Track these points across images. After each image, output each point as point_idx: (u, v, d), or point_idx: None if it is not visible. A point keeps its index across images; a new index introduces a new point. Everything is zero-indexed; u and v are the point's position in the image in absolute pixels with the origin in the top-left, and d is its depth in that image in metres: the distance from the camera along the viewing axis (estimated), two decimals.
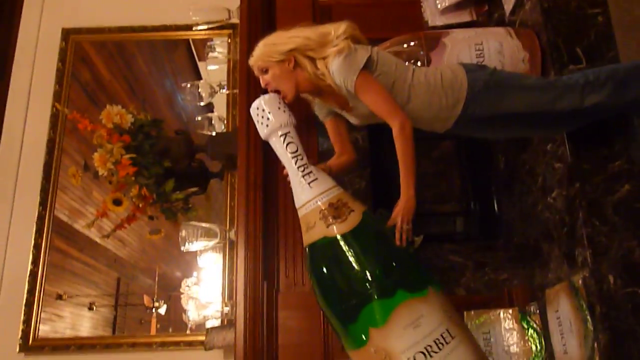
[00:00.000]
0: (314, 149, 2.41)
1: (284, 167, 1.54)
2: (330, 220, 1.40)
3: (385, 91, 1.60)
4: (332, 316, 1.50)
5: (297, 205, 1.46)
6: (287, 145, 1.43)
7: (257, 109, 1.47)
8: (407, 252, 1.51)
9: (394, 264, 1.44)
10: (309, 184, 1.42)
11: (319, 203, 1.42)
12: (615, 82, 1.63)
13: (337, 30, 1.63)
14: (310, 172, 1.44)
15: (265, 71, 1.63)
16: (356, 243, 1.40)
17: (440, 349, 1.34)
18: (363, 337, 1.37)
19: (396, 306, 1.34)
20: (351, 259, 1.39)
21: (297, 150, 1.44)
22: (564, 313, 1.78)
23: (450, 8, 2.42)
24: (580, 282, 1.69)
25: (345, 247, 1.39)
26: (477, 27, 2.34)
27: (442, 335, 1.36)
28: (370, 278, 1.37)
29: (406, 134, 1.56)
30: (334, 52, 1.59)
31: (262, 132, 1.48)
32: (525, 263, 2.15)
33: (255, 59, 1.66)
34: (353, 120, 1.78)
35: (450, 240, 2.43)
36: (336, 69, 1.59)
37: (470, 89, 1.65)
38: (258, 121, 1.47)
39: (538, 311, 1.96)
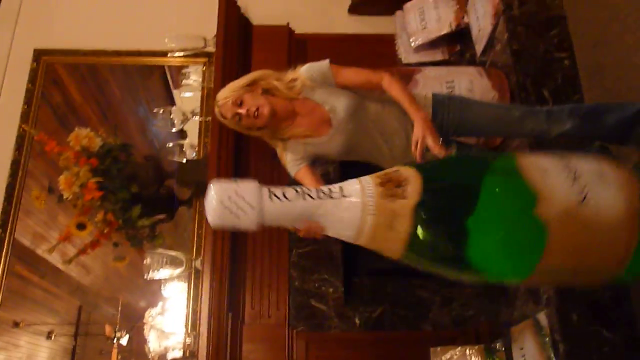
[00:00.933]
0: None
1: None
2: (399, 189, 1.10)
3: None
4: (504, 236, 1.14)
5: (355, 232, 1.11)
6: (285, 195, 1.05)
7: (223, 210, 1.01)
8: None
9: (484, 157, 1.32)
10: (342, 194, 1.09)
11: (371, 192, 1.09)
12: (578, 116, 1.69)
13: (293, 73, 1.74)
14: (329, 188, 1.11)
15: (240, 103, 1.67)
16: (437, 175, 1.16)
17: (572, 165, 1.17)
18: (538, 223, 1.09)
19: (520, 173, 1.13)
20: (450, 183, 1.14)
21: (295, 189, 1.08)
22: (529, 350, 1.78)
23: (424, 46, 2.49)
24: (544, 319, 1.70)
25: (439, 185, 1.12)
26: (449, 65, 2.40)
27: (560, 160, 1.20)
28: (475, 172, 1.13)
29: (396, 79, 1.67)
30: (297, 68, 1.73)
31: (252, 219, 1.04)
32: (491, 299, 2.15)
33: (225, 97, 1.70)
34: (333, 146, 1.75)
35: (417, 275, 2.43)
36: (306, 67, 1.71)
37: (435, 97, 1.74)
38: (237, 215, 1.03)
39: (504, 348, 1.96)
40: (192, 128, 2.76)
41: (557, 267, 1.19)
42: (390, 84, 1.67)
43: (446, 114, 1.70)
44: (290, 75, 1.73)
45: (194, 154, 2.65)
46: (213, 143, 2.36)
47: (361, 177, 1.11)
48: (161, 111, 2.53)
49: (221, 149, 2.34)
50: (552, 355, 1.65)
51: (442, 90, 2.04)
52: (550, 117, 1.69)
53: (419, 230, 1.08)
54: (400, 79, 2.08)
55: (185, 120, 2.59)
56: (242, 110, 1.66)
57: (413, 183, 1.09)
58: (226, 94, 1.71)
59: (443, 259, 1.15)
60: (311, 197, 1.07)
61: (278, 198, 1.04)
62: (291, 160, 1.77)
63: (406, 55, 2.55)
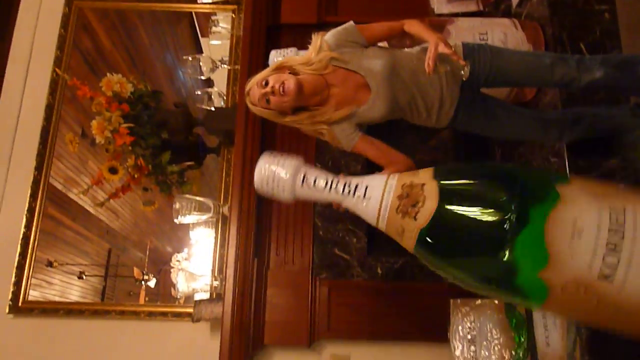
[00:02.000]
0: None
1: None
2: (412, 209, 1.18)
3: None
4: (494, 289, 1.22)
5: (373, 224, 1.24)
6: (315, 184, 1.23)
7: (263, 181, 1.23)
8: (505, 170, 1.24)
9: (505, 188, 1.15)
10: (364, 196, 1.22)
11: (388, 202, 1.20)
12: (608, 65, 1.64)
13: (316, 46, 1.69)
14: (356, 184, 1.24)
15: (265, 83, 1.63)
16: (457, 203, 1.16)
17: (622, 234, 1.07)
18: (540, 284, 1.09)
19: (543, 229, 1.08)
20: (465, 218, 1.14)
21: (326, 179, 1.23)
22: None
23: None
24: None
25: (451, 216, 1.15)
26: (482, 17, 2.34)
27: (611, 220, 1.08)
28: (496, 217, 1.11)
29: (417, 20, 1.67)
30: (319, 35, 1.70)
31: (285, 197, 1.25)
32: None
33: (252, 82, 1.67)
34: (375, 110, 1.69)
35: None
36: (331, 34, 1.68)
37: (465, 46, 1.71)
38: (274, 191, 1.25)
39: None
40: (221, 76, 2.77)
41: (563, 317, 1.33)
42: (410, 24, 1.66)
43: (477, 62, 1.67)
44: (314, 49, 1.67)
45: (222, 102, 2.66)
46: (241, 92, 2.36)
47: (391, 180, 1.21)
48: (190, 58, 2.53)
49: None
50: None
51: (475, 41, 1.99)
52: (581, 64, 1.64)
53: (418, 250, 1.18)
54: (433, 28, 2.06)
55: (214, 68, 2.59)
56: (268, 88, 1.61)
57: (427, 206, 1.14)
58: (252, 80, 1.69)
59: (437, 270, 1.22)
60: (337, 191, 1.22)
61: (309, 187, 1.21)
62: (342, 136, 1.71)
63: (439, 5, 2.48)
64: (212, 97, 2.63)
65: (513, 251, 1.08)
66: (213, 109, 2.58)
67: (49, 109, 2.70)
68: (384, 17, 2.22)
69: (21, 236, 2.54)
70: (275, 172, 1.22)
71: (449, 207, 1.14)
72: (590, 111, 1.75)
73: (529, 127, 1.76)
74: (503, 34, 2.01)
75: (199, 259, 2.54)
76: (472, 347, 2.04)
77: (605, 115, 1.76)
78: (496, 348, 2.01)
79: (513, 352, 1.98)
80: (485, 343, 2.03)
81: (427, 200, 1.15)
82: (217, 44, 2.80)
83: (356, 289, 2.29)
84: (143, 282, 2.66)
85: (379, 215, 1.21)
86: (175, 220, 2.36)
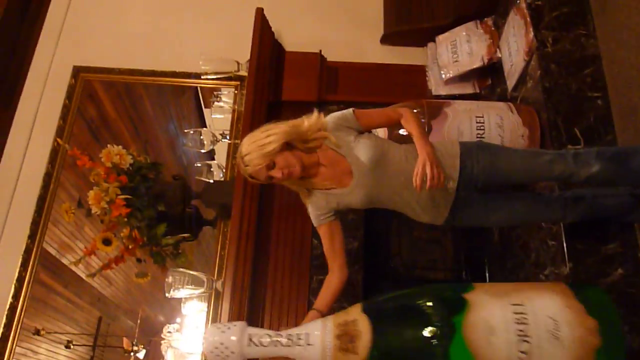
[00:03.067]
0: None
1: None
2: (351, 345, 1.35)
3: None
4: None
5: None
6: (260, 343, 1.36)
7: (213, 351, 1.36)
8: (422, 292, 1.43)
9: (430, 316, 1.35)
10: (308, 343, 1.37)
11: (330, 345, 1.36)
12: (603, 158, 1.66)
13: (309, 119, 1.72)
14: (297, 334, 1.38)
15: (272, 165, 1.67)
16: (388, 331, 1.36)
17: (527, 323, 1.29)
18: None
19: (462, 336, 1.28)
20: (398, 342, 1.35)
21: (269, 335, 1.37)
22: None
23: (455, 79, 2.49)
24: None
25: (386, 343, 1.34)
26: (479, 100, 2.39)
27: (515, 314, 1.30)
28: (426, 335, 1.31)
29: (414, 116, 1.71)
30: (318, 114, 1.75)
31: (237, 358, 1.38)
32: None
33: (258, 161, 1.67)
34: (354, 197, 1.73)
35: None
36: (330, 116, 1.74)
37: (462, 145, 1.73)
38: (224, 358, 1.37)
39: None
40: (221, 149, 2.80)
41: None
42: (406, 120, 1.71)
43: (475, 162, 1.69)
44: (309, 124, 1.71)
45: (221, 175, 2.67)
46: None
47: (327, 323, 1.38)
48: (192, 131, 2.57)
49: None
50: None
51: (472, 126, 2.03)
52: (578, 159, 1.67)
53: None
54: (430, 110, 2.11)
55: (214, 141, 2.63)
56: (277, 175, 1.66)
57: (363, 340, 1.34)
58: (257, 162, 1.67)
59: None
60: (282, 344, 1.36)
61: (257, 345, 1.35)
62: (314, 213, 1.78)
63: (436, 87, 2.55)
64: (212, 169, 2.64)
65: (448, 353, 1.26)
66: (212, 181, 2.59)
67: (47, 177, 2.72)
68: (383, 98, 2.29)
69: (8, 306, 2.49)
70: (223, 340, 1.33)
71: (381, 336, 1.33)
72: (589, 191, 1.76)
73: (532, 211, 1.76)
74: (499, 117, 2.05)
75: (190, 334, 2.47)
76: None
77: (604, 195, 1.76)
78: None
79: None
80: None
81: (362, 335, 1.34)
82: (220, 117, 2.85)
83: None
84: (132, 354, 2.58)
85: (322, 356, 1.35)
86: (168, 295, 2.31)
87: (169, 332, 2.54)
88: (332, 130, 1.71)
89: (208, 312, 2.47)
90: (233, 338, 1.33)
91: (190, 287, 2.32)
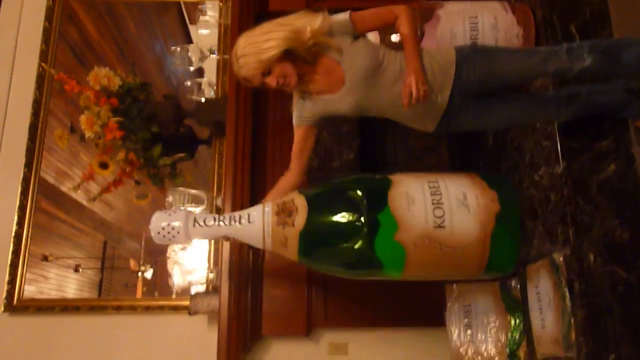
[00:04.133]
0: None
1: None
2: (289, 219, 1.51)
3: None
4: (362, 268, 1.65)
5: (259, 244, 1.55)
6: (205, 223, 1.50)
7: (160, 235, 1.50)
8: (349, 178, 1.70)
9: (357, 191, 1.58)
10: (248, 221, 1.51)
11: (269, 221, 1.51)
12: (596, 52, 1.63)
13: (312, 25, 1.65)
14: (239, 215, 1.52)
15: (268, 73, 1.63)
16: (324, 208, 1.53)
17: (440, 194, 1.57)
18: (398, 247, 1.54)
19: (387, 204, 1.53)
20: (332, 219, 1.53)
21: (214, 217, 1.51)
22: (543, 289, 1.81)
23: None
24: (561, 259, 1.71)
25: (320, 214, 1.52)
26: (472, 0, 2.31)
27: (430, 186, 1.57)
28: (355, 212, 1.52)
29: (409, 19, 1.65)
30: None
31: (182, 240, 1.52)
32: None
33: (255, 66, 1.63)
34: (342, 104, 1.72)
35: None
36: (330, 18, 1.68)
37: (459, 52, 1.69)
38: (170, 239, 1.51)
39: (519, 286, 1.99)
40: (210, 66, 2.73)
41: (422, 275, 1.71)
42: (401, 23, 1.65)
43: (472, 69, 1.66)
44: (310, 23, 1.65)
45: (212, 93, 2.63)
46: (231, 82, 2.34)
47: (266, 203, 1.56)
48: (178, 49, 2.50)
49: (240, 87, 2.33)
50: (567, 293, 1.67)
51: (466, 28, 1.97)
52: (571, 54, 1.64)
53: (301, 253, 1.54)
54: (423, 13, 2.04)
55: (203, 58, 2.56)
56: (272, 83, 1.64)
57: (300, 214, 1.51)
58: (252, 67, 1.63)
59: (322, 268, 1.67)
60: (224, 223, 1.50)
61: (201, 226, 1.49)
62: (298, 112, 1.77)
63: None
64: (202, 87, 2.60)
65: (373, 225, 1.50)
66: (203, 100, 2.55)
67: (37, 104, 2.67)
68: (375, 1, 2.20)
69: (13, 234, 2.53)
70: (168, 224, 1.45)
71: (316, 209, 1.51)
72: (584, 88, 1.75)
73: (527, 111, 1.75)
74: (493, 17, 1.99)
75: (194, 251, 2.53)
76: (469, 331, 2.06)
77: (599, 91, 1.75)
78: (492, 331, 2.03)
79: (509, 335, 1.99)
80: (481, 326, 2.04)
81: (299, 209, 1.51)
82: (206, 33, 2.76)
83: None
84: (140, 274, 2.66)
85: (263, 233, 1.50)
86: None
87: (174, 250, 2.60)
88: (329, 35, 1.66)
89: None
90: (178, 221, 1.45)
91: (190, 205, 2.35)
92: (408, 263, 1.55)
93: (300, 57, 1.65)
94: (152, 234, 1.48)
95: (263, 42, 1.61)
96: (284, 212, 1.51)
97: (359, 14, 1.69)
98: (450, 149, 2.59)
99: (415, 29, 1.65)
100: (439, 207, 1.54)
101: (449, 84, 1.66)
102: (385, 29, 1.89)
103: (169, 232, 1.46)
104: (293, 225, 1.50)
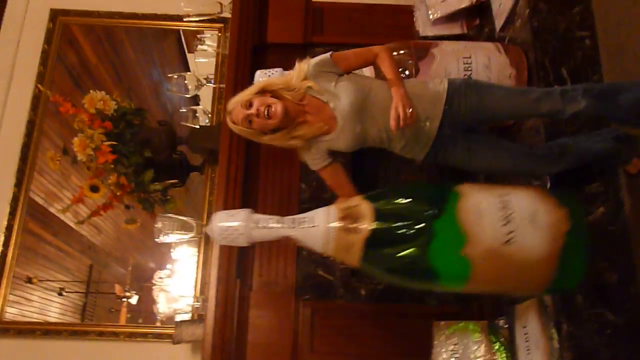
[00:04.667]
0: None
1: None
2: (354, 225, 1.45)
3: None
4: (419, 282, 1.60)
5: (320, 249, 1.48)
6: (267, 225, 1.45)
7: (222, 235, 1.46)
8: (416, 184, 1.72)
9: (426, 201, 1.53)
10: (312, 225, 1.45)
11: (333, 226, 1.45)
12: (590, 95, 1.65)
13: (293, 71, 1.73)
14: (303, 217, 1.47)
15: (249, 105, 1.67)
16: (390, 216, 1.47)
17: (510, 209, 1.50)
18: (464, 261, 1.46)
19: (455, 216, 1.47)
20: (398, 229, 1.46)
21: (277, 219, 1.45)
22: (531, 329, 1.80)
23: (442, 19, 2.44)
24: (550, 299, 1.71)
25: (386, 227, 1.46)
26: (467, 40, 2.36)
27: (500, 200, 1.51)
28: (422, 223, 1.46)
29: (389, 55, 1.70)
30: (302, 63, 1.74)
31: (244, 243, 1.48)
32: None
33: (235, 101, 1.70)
34: (342, 142, 1.74)
35: None
36: (311, 61, 1.71)
37: (450, 84, 1.72)
38: (233, 241, 1.47)
39: (507, 326, 1.98)
40: (206, 94, 2.76)
41: (483, 289, 1.66)
42: (381, 60, 1.70)
43: (463, 101, 1.68)
44: (295, 75, 1.71)
45: (207, 120, 2.64)
46: (226, 110, 2.36)
47: (330, 208, 1.49)
48: (175, 76, 2.52)
49: None
50: (555, 335, 1.66)
51: (459, 67, 2.01)
52: (565, 96, 1.65)
53: (363, 260, 1.48)
54: (417, 51, 2.08)
55: (199, 86, 2.58)
56: (252, 110, 1.65)
57: (366, 221, 1.45)
58: (235, 100, 1.72)
59: (389, 277, 1.59)
60: (288, 226, 1.44)
61: (263, 228, 1.44)
62: (310, 159, 1.79)
63: (424, 27, 2.50)
64: (197, 114, 2.61)
65: (434, 237, 1.45)
66: (198, 127, 2.56)
67: (30, 125, 2.67)
68: (370, 39, 2.24)
69: None
70: (231, 226, 1.41)
71: (382, 217, 1.46)
72: (573, 141, 1.76)
73: (517, 163, 1.76)
74: (487, 57, 2.03)
75: (181, 278, 2.51)
76: None
77: (588, 141, 1.77)
78: None
79: None
80: None
81: (365, 216, 1.45)
82: (203, 61, 2.80)
83: (339, 310, 2.27)
84: (124, 299, 2.62)
85: (327, 238, 1.44)
86: (157, 240, 2.33)
87: (160, 277, 2.58)
88: (312, 77, 1.70)
89: (198, 257, 2.51)
90: (239, 221, 1.41)
91: (179, 232, 2.34)
92: (472, 277, 1.49)
93: (287, 98, 1.68)
94: (213, 234, 1.44)
95: (245, 90, 1.70)
96: (350, 218, 1.46)
97: (340, 54, 1.73)
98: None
99: (394, 65, 1.69)
100: (510, 222, 1.48)
101: (439, 113, 1.68)
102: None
103: (230, 234, 1.43)
104: (358, 232, 1.45)
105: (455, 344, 2.06)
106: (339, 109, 1.68)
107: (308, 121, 1.72)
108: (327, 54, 1.72)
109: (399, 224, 1.47)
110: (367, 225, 1.44)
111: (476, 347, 2.02)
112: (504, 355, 1.96)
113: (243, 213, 1.44)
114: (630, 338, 1.66)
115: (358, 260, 1.49)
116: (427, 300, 2.31)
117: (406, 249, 1.46)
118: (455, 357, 2.04)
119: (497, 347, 1.99)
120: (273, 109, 1.64)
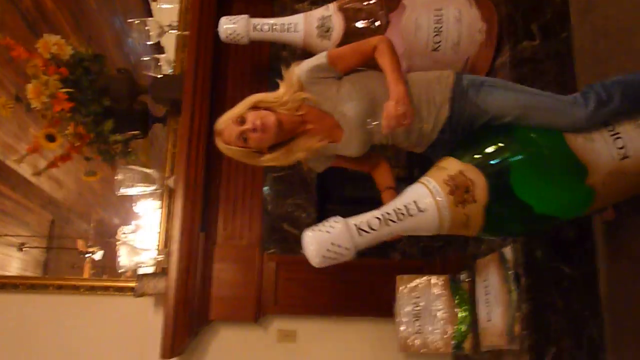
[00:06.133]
0: None
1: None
2: (468, 195, 1.30)
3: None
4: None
5: (435, 230, 1.32)
6: (370, 228, 1.24)
7: (325, 256, 1.23)
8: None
9: (532, 134, 1.45)
10: (419, 210, 1.27)
11: (445, 204, 1.28)
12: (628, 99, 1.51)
13: (284, 84, 1.59)
14: (404, 205, 1.27)
15: (241, 121, 1.53)
16: (495, 168, 1.36)
17: (612, 123, 1.48)
18: (588, 191, 1.42)
19: (570, 150, 1.43)
20: (507, 174, 1.36)
21: (376, 217, 1.25)
22: (492, 282, 1.84)
23: None
24: (510, 253, 1.74)
25: (500, 179, 1.34)
26: None
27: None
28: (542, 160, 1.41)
29: (389, 47, 1.54)
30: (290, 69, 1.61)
31: (350, 256, 1.25)
32: None
33: (224, 119, 1.56)
34: (350, 149, 1.62)
35: None
36: (302, 67, 1.57)
37: (456, 87, 1.55)
38: (338, 259, 1.25)
39: (468, 279, 2.02)
40: (170, 42, 2.65)
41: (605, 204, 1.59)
42: (381, 53, 1.54)
43: (466, 106, 1.53)
44: (284, 88, 1.57)
45: (171, 70, 2.55)
46: (190, 59, 2.28)
47: (427, 182, 1.31)
48: (136, 22, 2.39)
49: (198, 66, 2.27)
50: (514, 287, 1.70)
51: (430, 20, 1.96)
52: (599, 109, 1.48)
53: (488, 225, 1.34)
54: (388, 2, 2.02)
55: (161, 33, 2.47)
56: (248, 125, 1.51)
57: (478, 185, 1.30)
58: (225, 118, 1.57)
59: (512, 232, 1.56)
60: (393, 221, 1.25)
61: (367, 232, 1.23)
62: (316, 166, 1.71)
63: None
64: (160, 63, 2.51)
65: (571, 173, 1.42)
66: (160, 76, 2.46)
67: None
68: None
69: None
70: (332, 245, 1.21)
71: (492, 174, 1.33)
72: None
73: None
74: (458, 11, 1.99)
75: (145, 232, 2.46)
76: (417, 322, 2.07)
77: None
78: (440, 323, 2.05)
79: (455, 327, 2.02)
80: (429, 318, 2.07)
81: (475, 181, 1.31)
82: (167, 7, 2.68)
83: (304, 264, 2.17)
84: (88, 255, 2.58)
85: (440, 217, 1.27)
86: (117, 193, 2.27)
87: (124, 233, 2.52)
88: (309, 85, 1.56)
89: (162, 210, 2.45)
90: (341, 237, 1.22)
91: (141, 184, 2.28)
92: (596, 200, 1.46)
93: (280, 112, 1.56)
94: (315, 260, 1.23)
95: (233, 109, 1.57)
96: (460, 190, 1.29)
97: (336, 53, 1.59)
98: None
99: (395, 57, 1.54)
100: (617, 140, 1.45)
101: (433, 116, 1.55)
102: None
103: (335, 252, 1.22)
104: (476, 200, 1.30)
105: (417, 297, 2.09)
106: (345, 119, 1.57)
107: (309, 131, 1.59)
108: (322, 56, 1.57)
109: (524, 177, 1.35)
110: (483, 191, 1.30)
111: (437, 300, 2.07)
112: (465, 307, 2.01)
113: (340, 226, 1.23)
114: (585, 290, 1.72)
115: (479, 230, 1.36)
116: (391, 255, 2.34)
117: (533, 197, 1.36)
118: (417, 310, 2.08)
119: (458, 301, 2.04)
120: (266, 120, 1.51)
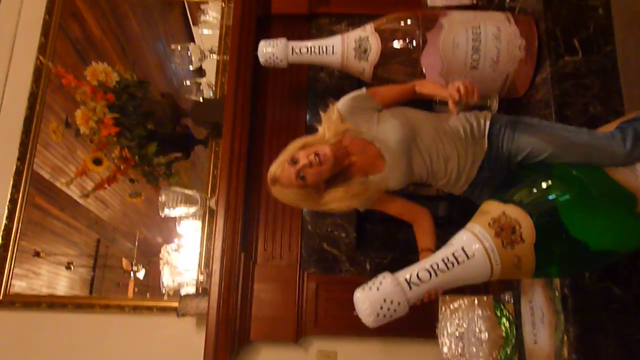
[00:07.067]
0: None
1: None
2: (514, 235, 1.28)
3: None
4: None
5: (487, 276, 1.29)
6: (420, 280, 1.24)
7: (379, 315, 1.21)
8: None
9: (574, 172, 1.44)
10: (467, 257, 1.25)
11: (493, 247, 1.26)
12: None
13: (326, 120, 1.64)
14: (452, 253, 1.26)
15: (294, 161, 1.57)
16: (539, 206, 1.35)
17: None
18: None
19: (620, 184, 1.41)
20: (553, 210, 1.34)
21: (425, 269, 1.24)
22: (537, 304, 1.79)
23: None
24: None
25: (546, 217, 1.32)
26: (476, 10, 2.30)
27: None
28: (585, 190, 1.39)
29: (425, 80, 1.67)
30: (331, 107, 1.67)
31: (404, 311, 1.24)
32: None
33: (277, 165, 1.60)
34: (391, 180, 1.65)
35: None
36: (343, 101, 1.64)
37: (493, 125, 1.60)
38: (392, 316, 1.23)
39: (512, 300, 1.97)
40: (210, 66, 2.72)
41: None
42: (421, 85, 1.63)
43: (501, 142, 1.57)
44: (327, 122, 1.63)
45: (212, 93, 2.61)
46: (230, 83, 2.32)
47: (473, 229, 1.28)
48: (178, 48, 2.48)
49: (238, 89, 2.31)
50: (561, 309, 1.65)
51: (468, 38, 1.94)
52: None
53: (540, 264, 1.30)
54: (425, 21, 2.02)
55: (203, 58, 2.54)
56: (303, 161, 1.54)
57: (524, 224, 1.28)
58: (277, 163, 1.61)
59: (569, 270, 1.47)
60: (441, 271, 1.23)
61: (416, 285, 1.22)
62: (362, 202, 1.69)
63: None
64: (202, 87, 2.58)
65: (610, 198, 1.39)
66: (201, 99, 2.53)
67: (33, 97, 2.65)
68: (377, 9, 2.20)
69: (2, 228, 2.50)
70: (385, 302, 1.19)
71: (537, 212, 1.30)
72: None
73: None
74: (496, 28, 1.97)
75: (187, 251, 2.50)
76: (460, 344, 2.02)
77: None
78: (484, 345, 2.00)
79: (501, 350, 1.96)
80: (473, 340, 2.02)
81: (520, 221, 1.28)
82: (208, 33, 2.76)
83: (344, 284, 2.26)
84: (132, 274, 2.63)
85: (490, 261, 1.25)
86: (161, 214, 2.32)
87: (167, 251, 2.57)
88: (349, 115, 1.62)
89: (203, 231, 2.50)
90: (392, 290, 1.20)
91: (183, 205, 2.33)
92: None
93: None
94: (370, 319, 1.20)
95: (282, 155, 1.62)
96: (505, 230, 1.28)
97: (376, 89, 1.66)
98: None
99: (435, 82, 1.63)
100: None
101: (480, 154, 1.58)
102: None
103: (388, 309, 1.20)
104: (524, 240, 1.28)
105: (460, 318, 2.05)
106: (387, 147, 1.60)
107: (355, 162, 1.63)
108: (362, 90, 1.64)
109: (568, 210, 1.32)
110: (528, 229, 1.27)
111: (481, 322, 2.02)
112: (509, 329, 1.95)
113: (388, 282, 1.21)
114: (637, 312, 1.65)
115: (532, 270, 1.32)
116: None
117: (588, 234, 1.32)
118: (460, 332, 2.03)
119: (502, 322, 1.98)
120: (322, 153, 1.54)
